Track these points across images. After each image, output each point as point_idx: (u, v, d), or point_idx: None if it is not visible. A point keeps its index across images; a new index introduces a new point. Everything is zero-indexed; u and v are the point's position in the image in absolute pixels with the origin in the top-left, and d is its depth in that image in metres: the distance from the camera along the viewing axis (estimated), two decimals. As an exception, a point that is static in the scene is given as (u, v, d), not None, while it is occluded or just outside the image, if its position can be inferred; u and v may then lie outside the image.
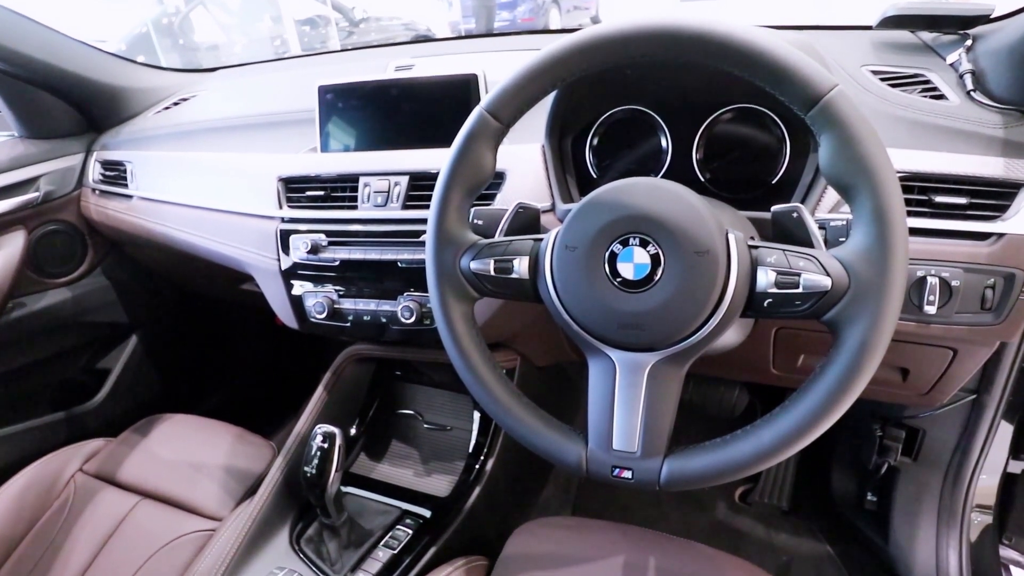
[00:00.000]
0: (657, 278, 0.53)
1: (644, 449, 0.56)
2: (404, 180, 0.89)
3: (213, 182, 1.05)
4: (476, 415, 1.05)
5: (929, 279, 0.67)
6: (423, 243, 0.72)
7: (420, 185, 0.89)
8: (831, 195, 0.71)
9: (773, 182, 0.78)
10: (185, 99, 1.29)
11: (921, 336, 0.72)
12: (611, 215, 0.55)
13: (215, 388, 1.58)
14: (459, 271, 0.62)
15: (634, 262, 0.54)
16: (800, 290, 0.50)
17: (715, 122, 0.80)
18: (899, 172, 0.68)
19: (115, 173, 1.21)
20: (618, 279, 0.54)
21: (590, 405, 0.58)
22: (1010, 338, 0.70)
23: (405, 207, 0.89)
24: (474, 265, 0.61)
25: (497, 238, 0.63)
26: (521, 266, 0.60)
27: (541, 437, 0.60)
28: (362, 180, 0.91)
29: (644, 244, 0.54)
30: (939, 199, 0.68)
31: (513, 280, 0.60)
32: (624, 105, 0.84)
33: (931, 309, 0.67)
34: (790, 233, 0.56)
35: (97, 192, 1.24)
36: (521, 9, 7.99)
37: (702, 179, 0.81)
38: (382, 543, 0.87)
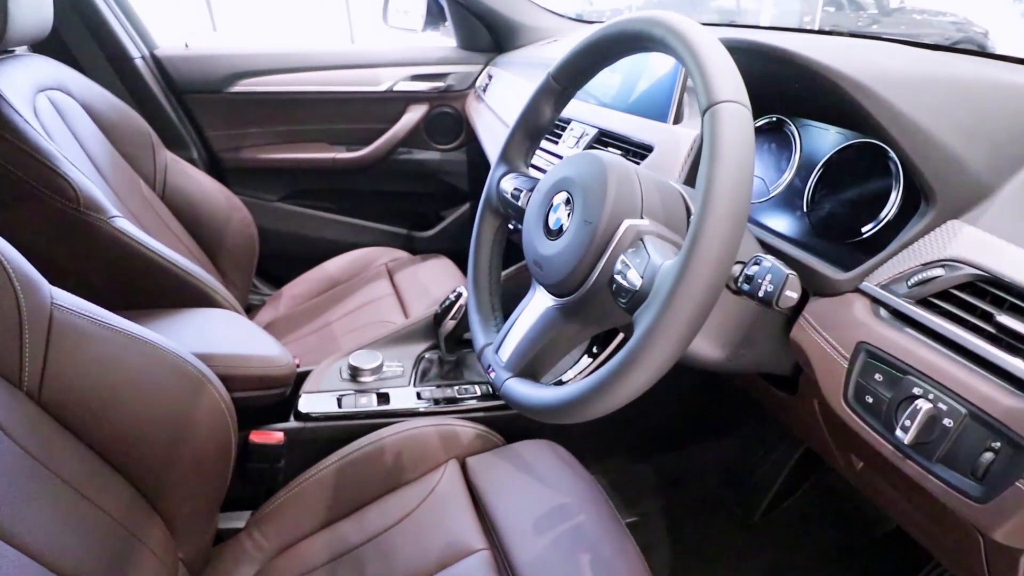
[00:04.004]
0: (562, 234, 0.63)
1: (508, 362, 0.68)
2: (593, 132, 1.05)
3: (510, 100, 1.38)
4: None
5: (919, 403, 0.52)
6: None
7: (603, 140, 1.03)
8: (911, 259, 0.59)
9: (865, 234, 0.67)
10: (556, 40, 1.63)
11: (908, 474, 0.56)
12: (561, 174, 0.65)
13: None
14: (498, 186, 0.80)
15: (556, 215, 0.64)
16: (625, 283, 0.54)
17: (846, 148, 0.71)
18: (980, 270, 0.53)
19: (488, 83, 1.66)
20: (545, 225, 0.65)
21: (511, 317, 0.72)
22: (992, 533, 0.50)
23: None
24: (503, 183, 0.78)
25: (533, 174, 0.78)
26: (525, 198, 0.75)
27: (475, 319, 0.77)
28: (573, 123, 1.11)
29: (567, 203, 0.63)
30: (1008, 322, 0.51)
31: (516, 206, 0.76)
32: (772, 114, 0.81)
33: (903, 436, 0.52)
34: None
35: (476, 94, 1.72)
36: None
37: (804, 207, 0.74)
38: (456, 388, 1.14)
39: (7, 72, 1.06)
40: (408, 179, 1.85)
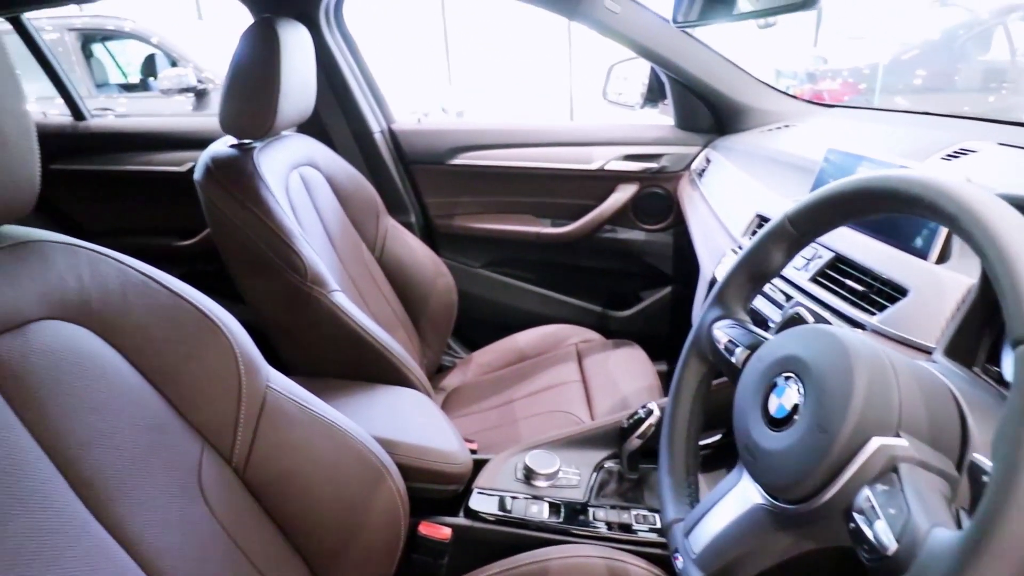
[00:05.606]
0: (786, 426, 0.52)
1: (700, 557, 0.58)
2: (828, 256, 0.90)
3: (726, 191, 1.27)
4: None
5: None
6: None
7: (839, 268, 0.88)
8: None
9: None
10: (787, 126, 1.48)
11: None
12: (789, 350, 0.55)
13: None
14: (710, 330, 0.71)
15: (780, 400, 0.54)
16: (870, 535, 0.42)
17: None
18: None
19: (706, 167, 1.55)
20: (764, 406, 0.55)
21: (711, 494, 0.62)
22: None
23: (812, 279, 0.90)
24: (716, 331, 0.69)
25: (752, 326, 0.68)
26: (741, 355, 0.65)
27: (665, 482, 0.67)
28: (802, 240, 0.96)
29: (797, 390, 0.52)
30: None
31: (729, 361, 0.66)
32: None
33: None
34: (977, 496, 0.43)
35: (691, 177, 1.62)
36: None
37: None
38: (633, 513, 1.04)
39: (271, 153, 1.22)
40: (609, 257, 1.81)
